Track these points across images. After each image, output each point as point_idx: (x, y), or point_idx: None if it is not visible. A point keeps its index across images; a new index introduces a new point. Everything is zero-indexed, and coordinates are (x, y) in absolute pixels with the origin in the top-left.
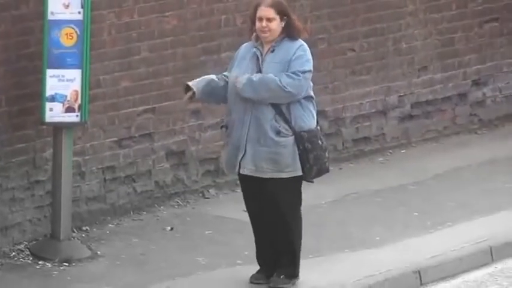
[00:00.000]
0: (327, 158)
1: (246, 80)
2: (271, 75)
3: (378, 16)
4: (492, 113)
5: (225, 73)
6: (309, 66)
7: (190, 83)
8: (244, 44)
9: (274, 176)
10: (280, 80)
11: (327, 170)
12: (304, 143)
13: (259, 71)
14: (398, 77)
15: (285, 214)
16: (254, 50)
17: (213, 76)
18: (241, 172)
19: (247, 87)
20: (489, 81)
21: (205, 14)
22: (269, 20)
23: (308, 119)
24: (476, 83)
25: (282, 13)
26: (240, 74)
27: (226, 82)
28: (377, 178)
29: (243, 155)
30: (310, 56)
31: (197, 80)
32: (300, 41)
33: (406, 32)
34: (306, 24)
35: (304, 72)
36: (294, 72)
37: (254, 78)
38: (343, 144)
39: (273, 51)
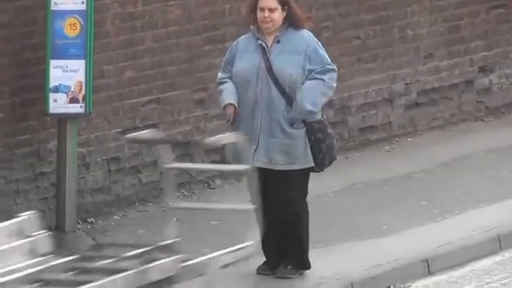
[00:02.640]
0: (335, 146)
1: (310, 105)
2: (312, 82)
3: (383, 3)
4: (499, 100)
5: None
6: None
7: (229, 102)
8: (243, 37)
9: (287, 168)
10: (323, 80)
11: (335, 158)
12: (316, 133)
13: (267, 62)
14: (404, 64)
15: (294, 205)
16: (259, 42)
17: (230, 85)
18: (254, 164)
19: (312, 107)
20: (495, 68)
21: (209, 3)
22: (271, 10)
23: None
24: (483, 70)
25: (284, 3)
26: (246, 67)
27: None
28: (383, 167)
29: (256, 148)
30: (322, 47)
31: (227, 95)
32: (306, 31)
33: (412, 19)
34: (311, 12)
35: (330, 63)
36: (325, 68)
37: (308, 98)
38: (349, 133)
39: (278, 41)
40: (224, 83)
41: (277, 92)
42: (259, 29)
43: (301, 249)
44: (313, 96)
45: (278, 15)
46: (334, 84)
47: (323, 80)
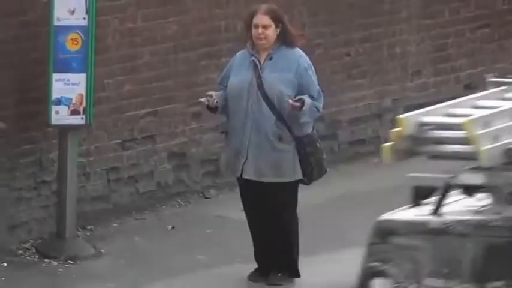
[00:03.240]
0: (325, 160)
1: (309, 105)
2: (311, 102)
3: (373, 22)
4: None
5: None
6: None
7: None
8: (240, 52)
9: (276, 181)
10: (317, 107)
11: (325, 171)
12: (305, 147)
13: (259, 78)
14: (392, 81)
15: (284, 216)
16: (252, 58)
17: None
18: (243, 176)
19: (308, 113)
20: (481, 85)
21: (206, 20)
22: (265, 27)
23: (306, 124)
24: (469, 87)
25: (277, 20)
26: (238, 82)
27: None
28: (372, 179)
29: (245, 160)
30: (313, 68)
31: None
32: (299, 50)
33: (400, 38)
34: (303, 30)
35: (317, 86)
36: (318, 93)
37: (311, 108)
38: (339, 146)
39: (271, 59)
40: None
41: (267, 107)
42: (254, 45)
43: (292, 257)
44: (311, 113)
45: (272, 32)
46: (321, 110)
47: (317, 108)
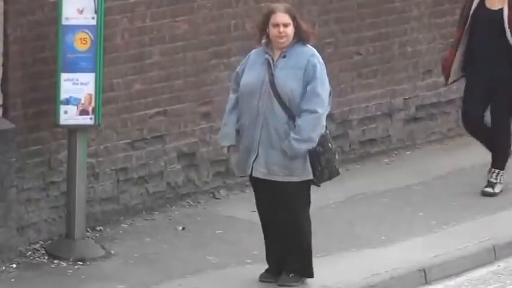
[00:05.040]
0: (337, 161)
1: (305, 145)
2: (301, 119)
3: (384, 21)
4: None
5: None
6: (327, 79)
7: (223, 145)
8: (254, 50)
9: (286, 180)
10: (311, 110)
11: (338, 173)
12: (316, 146)
13: (271, 76)
14: (403, 80)
15: (295, 216)
16: (266, 56)
17: (232, 120)
18: (253, 175)
19: (301, 145)
20: None
21: (215, 19)
22: (285, 25)
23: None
24: None
25: (294, 18)
26: (251, 80)
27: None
28: (383, 179)
29: (255, 158)
30: (324, 67)
31: (225, 136)
32: (311, 49)
33: (411, 36)
34: (314, 28)
35: (323, 87)
36: (315, 92)
37: (302, 136)
38: (350, 146)
39: (284, 56)
40: (229, 111)
41: (278, 105)
42: (270, 43)
43: (304, 257)
44: (307, 134)
45: (291, 30)
46: (320, 110)
47: (316, 112)
